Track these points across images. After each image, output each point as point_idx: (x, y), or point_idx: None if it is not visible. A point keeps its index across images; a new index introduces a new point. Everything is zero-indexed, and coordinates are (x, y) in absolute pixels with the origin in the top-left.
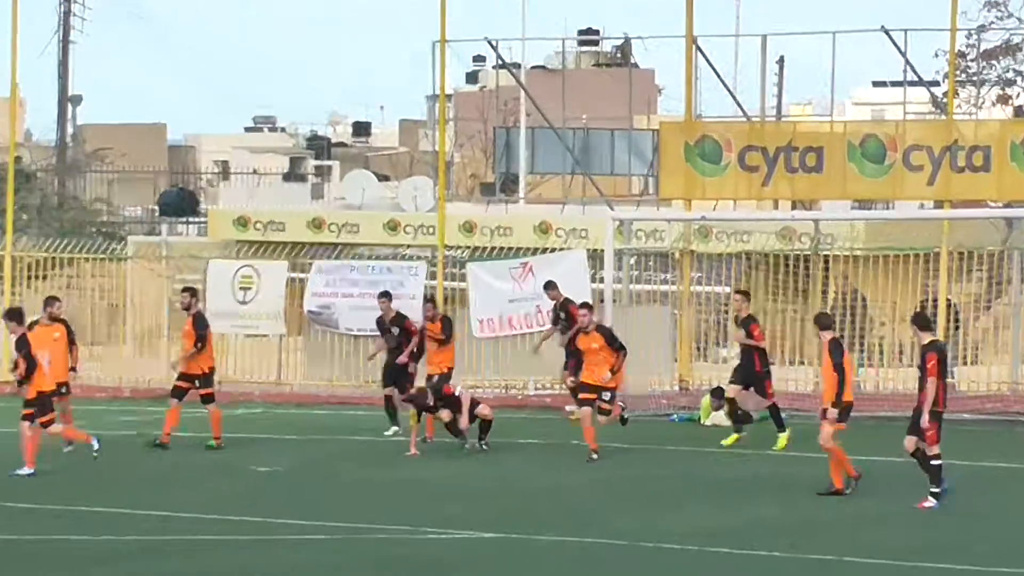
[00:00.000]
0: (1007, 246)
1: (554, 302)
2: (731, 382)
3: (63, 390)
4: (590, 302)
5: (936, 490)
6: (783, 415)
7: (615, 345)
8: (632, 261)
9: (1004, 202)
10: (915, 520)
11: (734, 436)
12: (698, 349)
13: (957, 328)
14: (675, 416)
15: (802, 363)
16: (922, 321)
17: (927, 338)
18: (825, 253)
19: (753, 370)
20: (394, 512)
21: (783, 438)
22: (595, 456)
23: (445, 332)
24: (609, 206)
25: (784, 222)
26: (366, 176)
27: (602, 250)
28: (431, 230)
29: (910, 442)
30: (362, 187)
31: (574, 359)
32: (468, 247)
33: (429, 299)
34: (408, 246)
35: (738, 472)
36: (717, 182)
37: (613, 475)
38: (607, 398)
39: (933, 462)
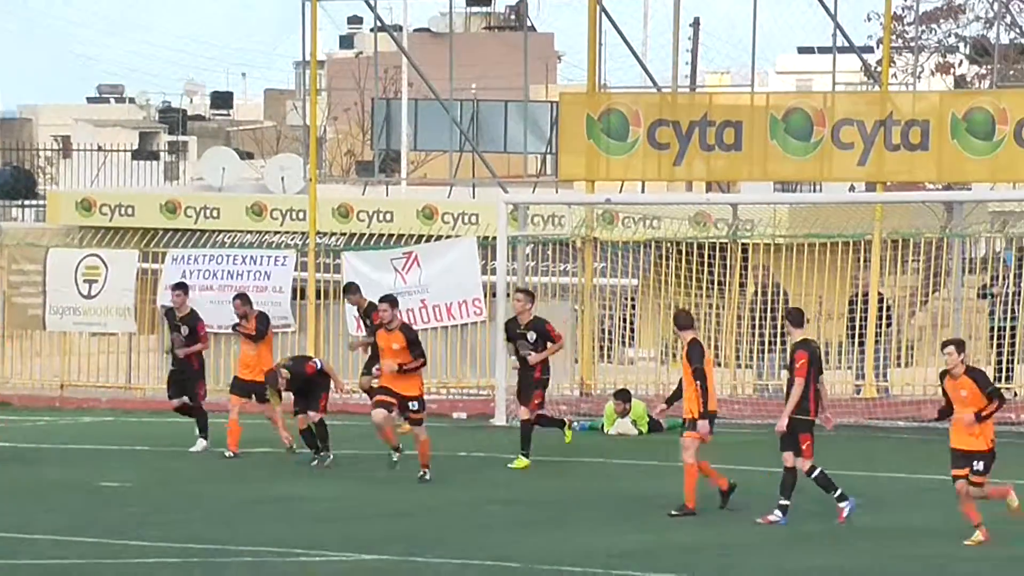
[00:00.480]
0: (946, 233)
1: (356, 307)
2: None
3: None
4: (394, 295)
5: (785, 503)
6: None
7: (415, 352)
8: (528, 250)
9: (943, 184)
10: (841, 538)
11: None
12: (601, 349)
13: (889, 325)
14: (576, 424)
15: (718, 363)
16: (796, 317)
17: (799, 335)
18: (744, 241)
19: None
20: (260, 532)
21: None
22: (396, 456)
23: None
24: (502, 188)
25: (698, 206)
26: (227, 154)
27: (494, 238)
28: (301, 215)
29: (788, 457)
30: (222, 166)
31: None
32: (343, 234)
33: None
34: (275, 233)
35: (644, 487)
36: (623, 161)
37: (505, 491)
38: (414, 408)
39: (811, 475)
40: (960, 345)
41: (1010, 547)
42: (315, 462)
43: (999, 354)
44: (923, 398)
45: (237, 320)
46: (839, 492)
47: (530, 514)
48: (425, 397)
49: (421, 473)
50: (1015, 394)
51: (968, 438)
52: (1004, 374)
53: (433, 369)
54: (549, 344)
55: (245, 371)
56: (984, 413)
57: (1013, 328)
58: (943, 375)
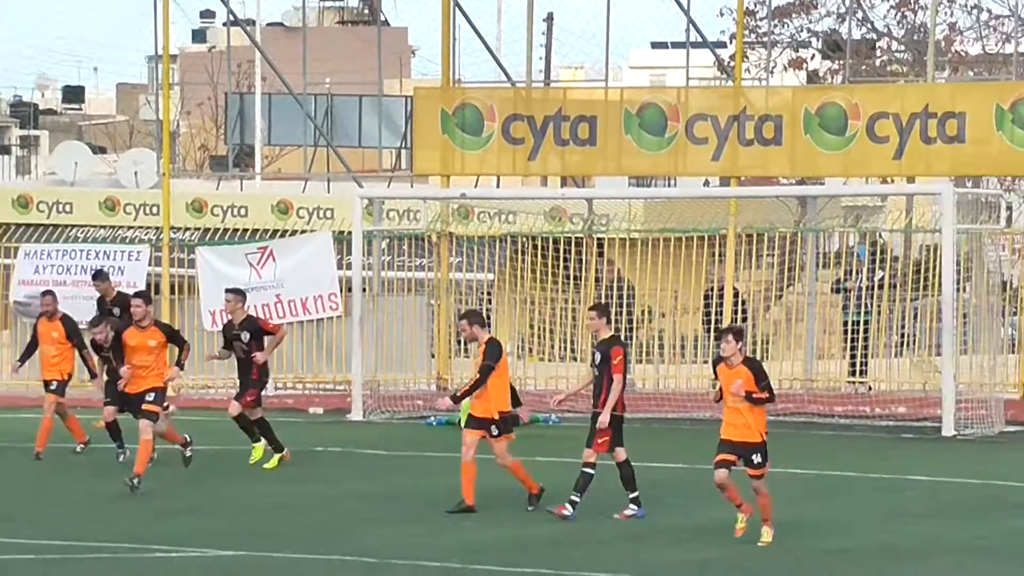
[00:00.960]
0: (800, 228)
1: (103, 296)
2: None
3: None
4: (145, 291)
5: (635, 494)
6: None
7: (178, 340)
8: (384, 245)
9: (797, 179)
10: (699, 534)
11: None
12: (459, 343)
13: (745, 320)
14: (432, 419)
15: (574, 359)
16: (604, 311)
17: (608, 332)
18: (599, 236)
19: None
20: (115, 529)
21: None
22: (188, 453)
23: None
24: (357, 183)
25: (553, 201)
26: (79, 148)
27: (349, 232)
28: (155, 209)
29: (620, 453)
30: (75, 161)
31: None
32: (197, 229)
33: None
34: (129, 227)
35: (501, 482)
36: (478, 156)
37: (362, 486)
38: (150, 399)
39: (586, 471)
40: (738, 333)
41: (848, 538)
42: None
43: (852, 348)
44: (779, 392)
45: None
46: (576, 500)
47: (387, 509)
48: (288, 391)
49: (131, 480)
50: (869, 388)
51: (743, 429)
52: (858, 368)
53: (289, 364)
54: (268, 340)
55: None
56: (756, 396)
57: (867, 322)
58: (716, 362)
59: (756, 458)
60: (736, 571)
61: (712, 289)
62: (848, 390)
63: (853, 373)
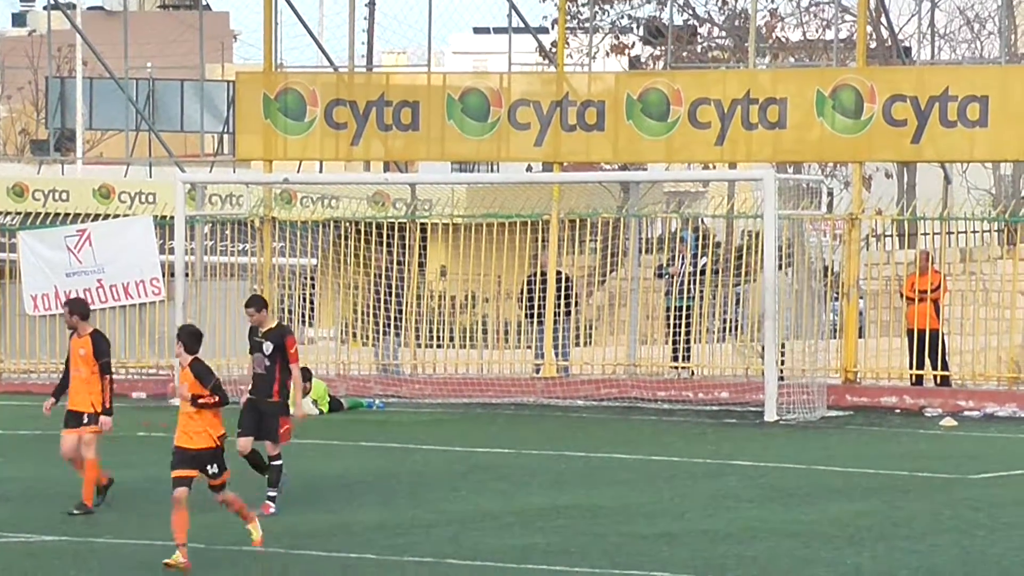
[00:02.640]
0: (624, 213)
1: None
2: None
3: None
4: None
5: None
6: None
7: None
8: (206, 229)
9: (619, 164)
10: (523, 519)
11: None
12: None
13: (568, 305)
14: None
15: (397, 343)
16: (259, 302)
17: (273, 322)
18: (423, 220)
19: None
20: None
21: None
22: None
23: None
24: (179, 167)
25: (376, 186)
26: None
27: (172, 217)
28: None
29: (246, 444)
30: None
31: None
32: (18, 213)
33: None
34: None
35: (325, 467)
36: (301, 141)
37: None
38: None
39: (276, 463)
40: (193, 336)
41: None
42: None
43: (675, 334)
44: (602, 377)
45: None
46: (277, 493)
47: (211, 495)
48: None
49: None
50: (692, 373)
51: (193, 436)
52: (681, 354)
53: (112, 349)
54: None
55: None
56: (202, 400)
57: (689, 308)
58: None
59: (212, 468)
60: (559, 556)
61: (535, 274)
62: (671, 375)
63: (676, 358)
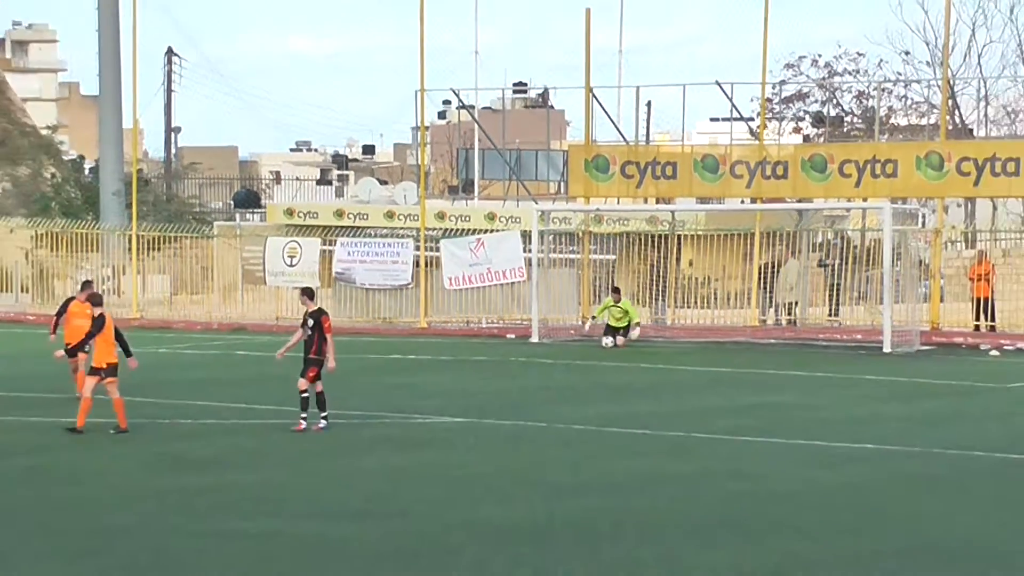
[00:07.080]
0: (798, 228)
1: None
2: None
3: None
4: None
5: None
6: None
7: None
8: (550, 239)
9: (797, 198)
10: (741, 410)
11: None
12: (593, 293)
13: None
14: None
15: (664, 305)
16: (309, 293)
17: (315, 306)
18: (679, 233)
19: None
20: None
21: None
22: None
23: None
24: (535, 201)
25: (651, 212)
26: (372, 182)
27: (531, 231)
28: (416, 218)
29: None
30: (369, 188)
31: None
32: (441, 229)
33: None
34: (400, 228)
35: (619, 379)
36: (606, 186)
37: None
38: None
39: (312, 394)
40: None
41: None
42: None
43: (830, 300)
44: (785, 327)
45: None
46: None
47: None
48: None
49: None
50: (840, 324)
51: None
52: (833, 311)
53: (493, 306)
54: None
55: None
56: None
57: (839, 284)
58: None
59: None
60: (766, 430)
61: (763, 265)
62: (828, 324)
63: (830, 314)
